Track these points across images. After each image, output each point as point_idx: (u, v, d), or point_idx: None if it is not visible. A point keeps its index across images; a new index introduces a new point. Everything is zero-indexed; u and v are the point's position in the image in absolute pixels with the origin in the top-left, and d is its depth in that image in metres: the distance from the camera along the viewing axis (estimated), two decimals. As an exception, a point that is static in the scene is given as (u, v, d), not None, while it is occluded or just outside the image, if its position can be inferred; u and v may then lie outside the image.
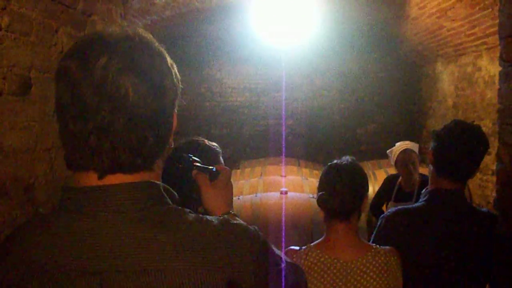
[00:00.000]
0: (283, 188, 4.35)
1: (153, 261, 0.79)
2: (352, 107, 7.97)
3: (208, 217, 0.89)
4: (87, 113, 0.80)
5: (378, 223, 2.16)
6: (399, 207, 2.20)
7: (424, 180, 3.44)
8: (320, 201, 1.90)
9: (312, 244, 1.93)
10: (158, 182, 0.89)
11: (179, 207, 0.89)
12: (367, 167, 6.13)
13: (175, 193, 0.94)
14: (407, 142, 3.78)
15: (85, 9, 2.43)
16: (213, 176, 1.28)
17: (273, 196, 4.23)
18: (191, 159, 1.29)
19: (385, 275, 1.81)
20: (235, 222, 0.90)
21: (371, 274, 1.81)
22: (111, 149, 0.81)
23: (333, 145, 7.75)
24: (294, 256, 1.87)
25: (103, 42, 0.83)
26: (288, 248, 1.95)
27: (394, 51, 7.64)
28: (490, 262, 2.00)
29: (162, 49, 0.91)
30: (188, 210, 0.89)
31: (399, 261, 1.86)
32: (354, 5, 5.93)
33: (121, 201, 0.82)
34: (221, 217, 0.90)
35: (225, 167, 1.39)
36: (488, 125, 4.89)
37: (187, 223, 0.85)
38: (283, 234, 3.57)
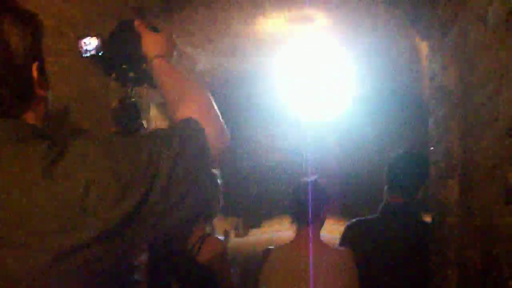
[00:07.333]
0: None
1: None
2: (380, 168, 8.09)
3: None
4: None
5: (343, 232, 2.54)
6: (359, 218, 2.59)
7: None
8: (287, 208, 2.35)
9: (281, 245, 2.33)
10: (18, 121, 0.88)
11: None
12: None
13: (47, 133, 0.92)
14: None
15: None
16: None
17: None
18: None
19: (342, 273, 2.11)
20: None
21: (329, 270, 2.11)
22: None
23: (363, 203, 7.86)
24: (266, 254, 2.27)
25: None
26: (266, 247, 2.33)
27: (419, 112, 7.87)
28: (428, 266, 2.27)
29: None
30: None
31: (354, 260, 2.15)
32: (379, 70, 6.41)
33: None
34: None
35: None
36: None
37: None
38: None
